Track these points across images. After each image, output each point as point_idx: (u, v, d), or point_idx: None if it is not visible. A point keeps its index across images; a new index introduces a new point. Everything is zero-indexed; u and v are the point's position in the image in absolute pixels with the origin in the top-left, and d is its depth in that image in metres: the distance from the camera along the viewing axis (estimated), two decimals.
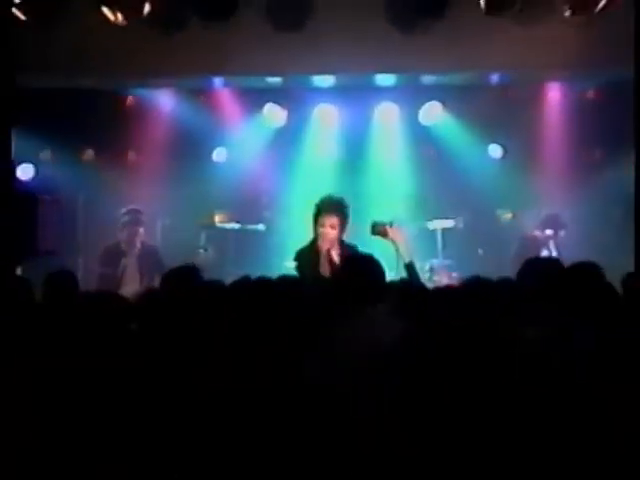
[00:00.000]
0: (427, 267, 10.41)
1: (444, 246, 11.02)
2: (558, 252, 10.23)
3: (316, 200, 7.84)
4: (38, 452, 3.99)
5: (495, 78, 10.73)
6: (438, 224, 11.17)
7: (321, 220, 7.69)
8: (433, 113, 11.66)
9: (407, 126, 11.75)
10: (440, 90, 11.25)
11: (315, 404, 4.08)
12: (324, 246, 7.64)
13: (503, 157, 11.71)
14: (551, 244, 10.53)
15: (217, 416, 4.04)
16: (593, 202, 11.12)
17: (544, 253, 10.40)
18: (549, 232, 10.61)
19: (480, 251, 11.43)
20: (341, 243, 7.76)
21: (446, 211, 11.37)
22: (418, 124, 11.74)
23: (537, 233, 10.70)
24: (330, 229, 7.67)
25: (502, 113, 11.35)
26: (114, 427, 4.01)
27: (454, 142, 11.71)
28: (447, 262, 10.89)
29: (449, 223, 11.23)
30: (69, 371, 4.22)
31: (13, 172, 9.93)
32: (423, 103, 11.60)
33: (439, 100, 11.53)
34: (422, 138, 11.79)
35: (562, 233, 10.52)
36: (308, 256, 7.69)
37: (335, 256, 7.63)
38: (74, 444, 3.98)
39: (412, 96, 11.43)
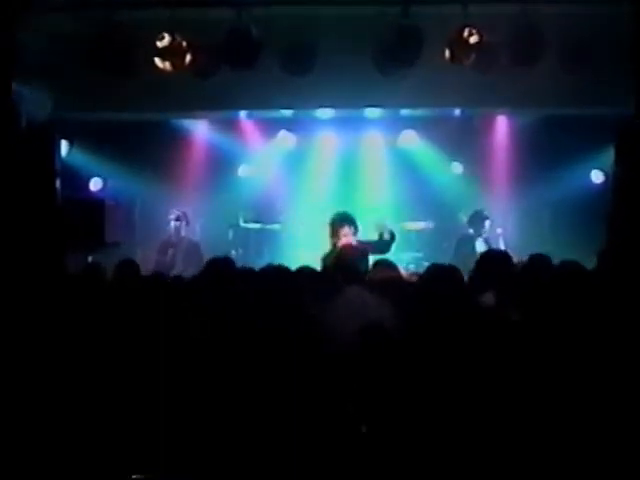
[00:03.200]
0: (405, 259, 10.22)
1: (417, 242, 11.00)
2: (488, 244, 9.87)
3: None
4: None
5: (457, 112, 10.67)
6: (412, 225, 11.11)
7: (339, 232, 7.61)
8: (409, 139, 11.59)
9: (389, 149, 11.73)
10: (414, 121, 11.15)
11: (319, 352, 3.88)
12: None
13: (462, 172, 11.65)
14: (479, 239, 10.09)
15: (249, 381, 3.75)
16: (528, 207, 11.09)
17: (478, 246, 10.01)
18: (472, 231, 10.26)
19: (444, 246, 11.07)
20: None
21: (418, 215, 11.28)
22: (397, 148, 11.70)
23: (470, 231, 10.32)
24: (345, 237, 7.61)
25: (462, 139, 11.28)
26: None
27: (425, 161, 11.68)
28: (419, 254, 10.80)
29: (421, 225, 11.16)
30: (137, 334, 4.13)
31: (87, 186, 10.37)
32: (401, 131, 11.54)
33: (414, 129, 11.46)
34: (400, 158, 11.72)
35: (487, 224, 10.13)
36: (330, 259, 7.57)
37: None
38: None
39: (393, 126, 11.40)
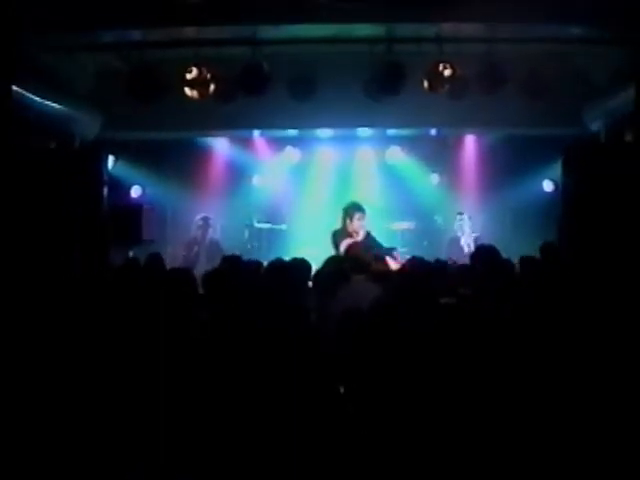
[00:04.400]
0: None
1: (402, 240, 10.90)
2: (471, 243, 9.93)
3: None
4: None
5: (434, 131, 10.70)
6: (398, 225, 11.16)
7: (354, 215, 7.79)
8: (395, 154, 11.58)
9: (378, 162, 11.71)
10: (399, 139, 11.16)
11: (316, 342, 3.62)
12: (355, 231, 7.75)
13: (439, 182, 11.61)
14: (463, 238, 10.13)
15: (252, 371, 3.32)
16: (494, 211, 11.02)
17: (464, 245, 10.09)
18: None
19: (425, 243, 11.17)
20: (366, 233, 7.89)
21: (402, 217, 11.31)
22: (385, 161, 11.66)
23: (458, 234, 10.30)
24: (358, 221, 7.80)
25: (438, 154, 11.29)
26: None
27: (408, 173, 11.65)
28: (403, 249, 10.61)
29: (405, 225, 11.22)
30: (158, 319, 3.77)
31: (128, 193, 10.53)
32: (388, 147, 11.52)
33: (399, 145, 11.45)
34: (387, 170, 11.67)
35: (465, 217, 10.13)
36: (340, 233, 7.82)
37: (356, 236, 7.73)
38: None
39: (381, 143, 11.40)
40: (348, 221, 7.76)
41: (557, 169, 6.83)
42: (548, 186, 10.66)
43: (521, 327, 3.76)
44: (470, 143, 11.47)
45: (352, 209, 7.85)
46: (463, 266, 5.60)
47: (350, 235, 7.74)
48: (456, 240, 10.20)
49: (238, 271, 5.31)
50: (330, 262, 5.44)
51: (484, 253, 5.26)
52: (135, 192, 10.95)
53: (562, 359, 3.39)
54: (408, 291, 4.19)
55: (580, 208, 5.93)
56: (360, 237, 7.72)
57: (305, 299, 4.65)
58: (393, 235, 10.74)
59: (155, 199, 10.56)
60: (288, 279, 4.80)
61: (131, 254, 8.03)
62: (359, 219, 7.76)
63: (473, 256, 5.44)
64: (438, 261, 5.53)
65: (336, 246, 7.57)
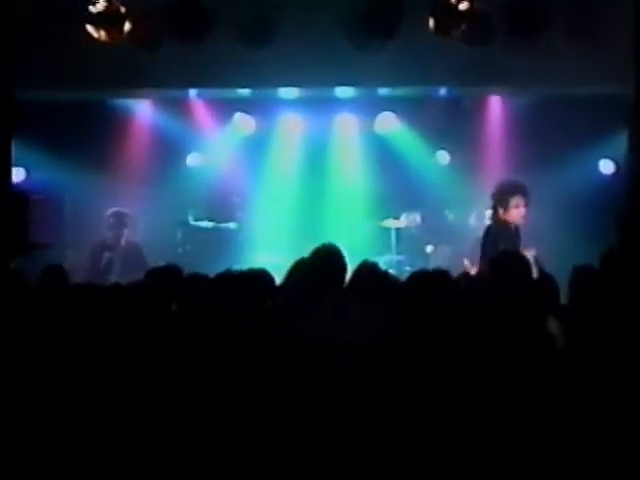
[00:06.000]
0: (382, 262, 9.82)
1: (397, 243, 10.95)
2: None
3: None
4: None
5: (443, 92, 10.70)
6: (391, 223, 11.10)
7: (509, 201, 7.86)
8: (387, 123, 11.57)
9: (364, 134, 11.72)
10: (394, 102, 11.17)
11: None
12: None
13: (449, 162, 11.64)
14: None
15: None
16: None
17: None
18: None
19: (429, 248, 11.20)
20: None
21: (398, 211, 11.28)
22: (373, 133, 11.67)
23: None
24: (517, 210, 7.89)
25: (450, 123, 11.23)
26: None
27: (406, 149, 11.67)
28: (399, 258, 10.79)
29: (402, 222, 11.16)
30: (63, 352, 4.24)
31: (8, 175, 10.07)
32: (378, 114, 11.54)
33: (393, 111, 11.46)
34: (377, 145, 11.70)
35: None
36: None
37: None
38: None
39: (368, 107, 11.44)
40: (501, 209, 7.84)
41: (619, 143, 6.82)
42: (606, 167, 10.84)
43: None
44: (494, 108, 11.50)
45: (508, 191, 7.89)
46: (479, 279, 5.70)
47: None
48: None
49: (170, 289, 5.33)
50: (298, 270, 5.61)
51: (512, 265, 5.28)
52: (17, 176, 10.29)
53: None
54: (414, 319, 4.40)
55: None
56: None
57: (270, 325, 4.79)
58: (384, 236, 10.89)
59: (47, 186, 10.45)
60: (242, 298, 4.92)
61: (13, 266, 7.75)
62: (518, 206, 7.82)
63: (495, 267, 5.44)
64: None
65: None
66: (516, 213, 7.80)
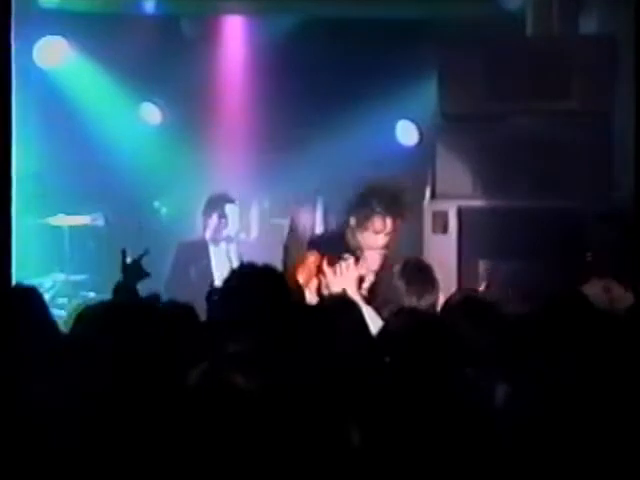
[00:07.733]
0: (48, 284, 8.53)
1: (73, 254, 9.10)
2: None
3: None
4: None
5: (150, 6, 9.01)
6: (67, 220, 9.19)
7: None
8: (53, 54, 9.33)
9: (17, 67, 8.67)
10: (63, 19, 9.05)
11: None
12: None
13: (161, 121, 9.52)
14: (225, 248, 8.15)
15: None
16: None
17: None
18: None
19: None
20: None
21: (80, 202, 9.33)
22: (34, 65, 9.26)
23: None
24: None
25: (160, 58, 9.19)
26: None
27: (86, 98, 9.50)
28: (77, 277, 8.93)
29: (83, 220, 9.31)
30: None
31: None
32: (40, 37, 9.16)
33: (62, 35, 9.19)
34: (41, 87, 9.29)
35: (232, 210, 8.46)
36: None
37: None
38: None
39: (27, 28, 8.76)
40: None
41: (426, 93, 6.66)
42: (406, 133, 9.56)
43: None
44: (233, 34, 9.85)
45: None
46: None
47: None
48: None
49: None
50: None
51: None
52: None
53: None
54: None
55: None
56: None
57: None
58: (56, 240, 9.12)
59: None
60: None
61: None
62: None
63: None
64: None
65: None
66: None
